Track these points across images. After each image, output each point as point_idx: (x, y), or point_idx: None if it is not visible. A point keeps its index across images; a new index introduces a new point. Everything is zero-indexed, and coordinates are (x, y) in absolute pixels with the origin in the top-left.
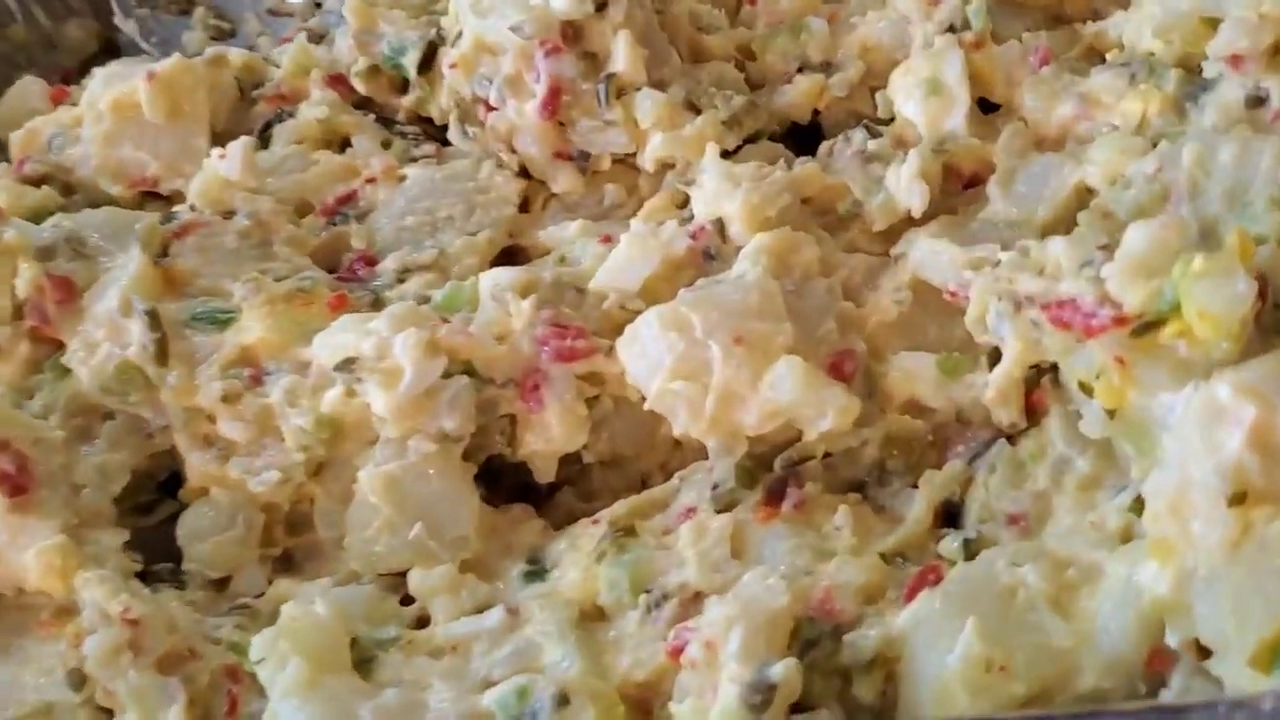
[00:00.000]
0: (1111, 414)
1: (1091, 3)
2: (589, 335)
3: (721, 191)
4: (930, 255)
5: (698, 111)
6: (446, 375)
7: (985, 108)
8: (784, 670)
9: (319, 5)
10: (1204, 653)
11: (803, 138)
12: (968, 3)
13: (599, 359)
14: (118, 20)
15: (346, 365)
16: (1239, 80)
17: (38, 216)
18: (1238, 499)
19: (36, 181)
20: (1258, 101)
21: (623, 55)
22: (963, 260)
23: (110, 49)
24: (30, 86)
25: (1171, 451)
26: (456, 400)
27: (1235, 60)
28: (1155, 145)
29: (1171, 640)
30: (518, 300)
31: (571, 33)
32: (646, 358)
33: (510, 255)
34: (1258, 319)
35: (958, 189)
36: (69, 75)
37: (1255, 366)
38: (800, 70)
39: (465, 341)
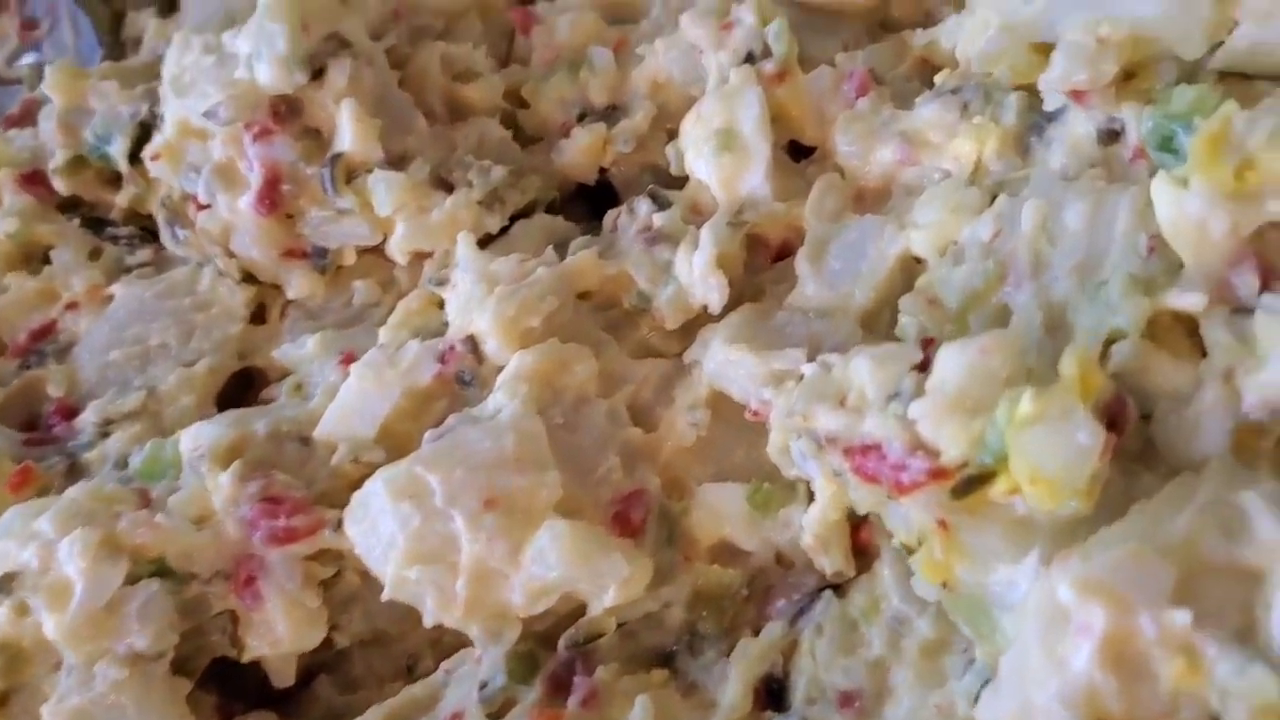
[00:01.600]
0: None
1: (923, 3)
2: (309, 508)
3: (475, 297)
4: (726, 366)
5: (450, 189)
6: (132, 580)
7: (799, 151)
8: None
9: None
10: None
11: (600, 196)
12: (766, 24)
13: (326, 535)
14: None
15: (8, 582)
16: (1088, 113)
17: None
18: None
19: None
20: (1112, 136)
21: (349, 130)
22: (762, 374)
23: None
24: None
25: (1009, 664)
26: (148, 610)
27: (1078, 95)
28: (994, 198)
29: None
30: (216, 472)
31: (285, 109)
32: (378, 535)
33: (246, 381)
34: (1116, 451)
35: (767, 262)
36: None
37: (1105, 546)
38: (582, 118)
39: (152, 536)
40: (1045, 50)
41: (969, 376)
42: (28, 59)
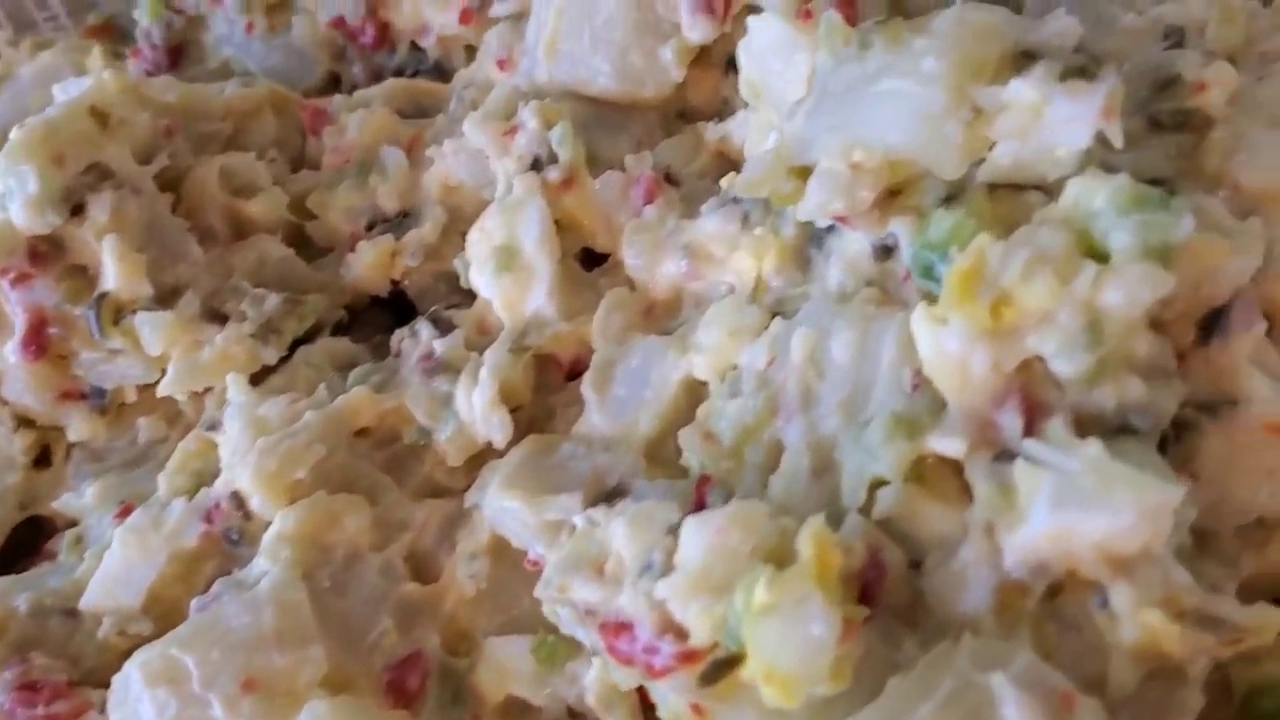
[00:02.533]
0: None
1: (719, 90)
2: (71, 691)
3: (240, 449)
4: (502, 513)
5: (225, 320)
6: None
7: (593, 258)
8: None
9: None
10: None
11: (400, 305)
12: (550, 126)
13: (93, 717)
14: None
15: None
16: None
17: None
18: None
19: None
20: (886, 251)
21: (112, 269)
22: (535, 524)
23: None
24: None
25: None
26: None
27: (841, 219)
28: (775, 316)
29: None
30: None
31: (46, 248)
32: None
33: (35, 530)
34: (871, 619)
35: (560, 382)
36: None
37: None
38: (372, 227)
39: None
40: (805, 174)
41: (710, 555)
42: None
